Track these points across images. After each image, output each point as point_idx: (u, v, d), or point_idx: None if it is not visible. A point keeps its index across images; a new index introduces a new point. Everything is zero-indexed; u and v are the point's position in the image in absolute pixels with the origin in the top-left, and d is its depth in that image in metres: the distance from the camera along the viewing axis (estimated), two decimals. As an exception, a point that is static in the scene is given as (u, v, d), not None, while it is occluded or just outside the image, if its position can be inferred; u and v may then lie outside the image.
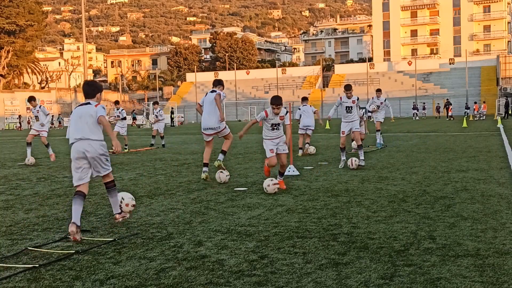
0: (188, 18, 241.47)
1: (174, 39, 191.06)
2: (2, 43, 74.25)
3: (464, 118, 41.41)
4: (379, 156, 15.14)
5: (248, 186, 9.74)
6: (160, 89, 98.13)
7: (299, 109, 16.87)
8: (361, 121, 16.32)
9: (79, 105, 6.64)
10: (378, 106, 17.62)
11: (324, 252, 5.21)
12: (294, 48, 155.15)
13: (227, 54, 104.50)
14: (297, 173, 11.31)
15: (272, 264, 4.86)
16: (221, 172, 10.25)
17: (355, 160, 11.99)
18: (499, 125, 33.96)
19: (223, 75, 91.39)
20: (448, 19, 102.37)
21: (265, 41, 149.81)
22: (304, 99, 17.04)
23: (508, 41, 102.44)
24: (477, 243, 5.41)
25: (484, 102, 56.69)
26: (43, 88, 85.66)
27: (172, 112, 64.12)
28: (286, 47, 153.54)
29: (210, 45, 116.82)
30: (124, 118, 20.48)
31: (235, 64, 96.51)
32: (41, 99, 74.36)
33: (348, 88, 12.56)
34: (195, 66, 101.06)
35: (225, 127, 10.61)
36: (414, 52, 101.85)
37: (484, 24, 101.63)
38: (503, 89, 75.00)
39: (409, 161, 13.44)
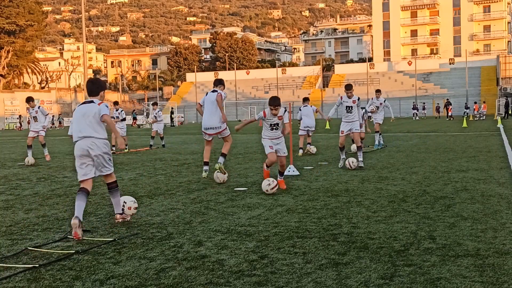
0: (188, 18, 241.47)
1: (174, 39, 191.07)
2: (2, 43, 74.26)
3: (464, 118, 41.41)
4: (379, 156, 15.14)
5: (248, 186, 9.74)
6: (160, 89, 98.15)
7: (300, 109, 16.95)
8: (362, 120, 16.38)
9: (82, 103, 6.66)
10: (377, 107, 17.62)
11: (324, 252, 5.21)
12: (294, 48, 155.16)
13: (227, 54, 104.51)
14: (297, 173, 11.30)
15: (272, 264, 4.86)
16: (219, 172, 10.25)
17: (353, 162, 11.93)
18: (499, 125, 33.97)
19: (223, 75, 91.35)
20: (448, 19, 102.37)
21: (265, 41, 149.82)
22: (305, 99, 17.25)
23: (508, 41, 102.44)
24: (477, 243, 5.41)
25: (484, 102, 56.68)
26: (43, 88, 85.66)
27: (172, 112, 64.11)
28: (286, 47, 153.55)
29: (210, 45, 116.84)
30: (124, 119, 20.46)
31: (235, 64, 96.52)
32: (41, 99, 74.42)
33: (348, 87, 12.54)
34: (195, 66, 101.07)
35: (226, 128, 10.61)
36: (414, 52, 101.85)
37: (484, 24, 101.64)
38: (503, 89, 75.00)
39: (409, 161, 13.44)
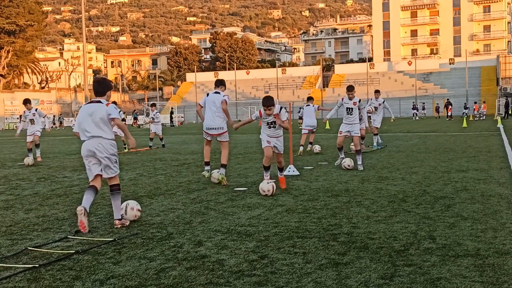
0: (188, 18, 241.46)
1: (174, 39, 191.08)
2: (2, 43, 74.27)
3: (464, 118, 41.40)
4: (379, 156, 15.14)
5: (248, 186, 9.74)
6: (160, 89, 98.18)
7: (302, 108, 17.20)
8: (367, 123, 16.42)
9: (89, 102, 6.65)
10: (376, 108, 17.62)
11: (324, 252, 5.21)
12: (294, 48, 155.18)
13: (227, 54, 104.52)
14: (297, 173, 11.30)
15: (272, 264, 4.86)
16: (217, 172, 10.22)
17: (349, 165, 11.90)
18: (499, 125, 33.97)
19: (223, 75, 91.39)
20: (448, 19, 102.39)
21: (265, 41, 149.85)
22: (309, 98, 17.59)
23: (508, 41, 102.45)
24: (477, 243, 5.41)
25: (484, 102, 56.69)
26: (43, 88, 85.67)
27: (172, 112, 64.11)
28: (286, 47, 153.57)
29: (210, 45, 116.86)
30: (123, 120, 20.47)
31: (235, 64, 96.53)
32: (41, 99, 74.50)
33: (350, 89, 12.43)
34: (195, 66, 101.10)
35: (227, 131, 10.55)
36: (414, 52, 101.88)
37: (484, 24, 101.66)
38: (503, 89, 75.02)
39: (409, 161, 13.44)
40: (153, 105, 22.95)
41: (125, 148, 19.71)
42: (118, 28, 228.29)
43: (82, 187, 10.30)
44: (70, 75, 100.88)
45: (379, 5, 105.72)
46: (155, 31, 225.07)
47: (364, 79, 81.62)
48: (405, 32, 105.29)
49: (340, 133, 12.44)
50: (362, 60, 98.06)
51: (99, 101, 6.55)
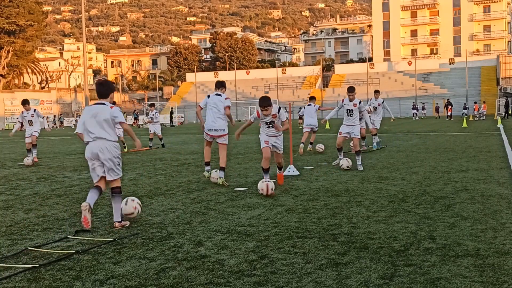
0: (188, 18, 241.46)
1: (174, 39, 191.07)
2: (2, 43, 74.27)
3: (464, 118, 41.40)
4: (379, 156, 15.14)
5: (248, 186, 9.73)
6: (160, 89, 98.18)
7: (304, 108, 17.45)
8: (370, 125, 16.44)
9: (93, 104, 6.70)
10: (376, 108, 17.63)
11: (324, 252, 5.21)
12: (294, 48, 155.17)
13: (227, 54, 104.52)
14: (297, 173, 11.30)
15: (272, 264, 4.86)
16: (215, 172, 10.22)
17: (347, 166, 11.90)
18: (499, 125, 33.97)
19: (223, 75, 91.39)
20: (448, 19, 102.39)
21: (265, 41, 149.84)
22: (311, 98, 17.77)
23: (508, 41, 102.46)
24: (477, 243, 5.41)
25: (484, 102, 56.70)
26: (43, 88, 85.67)
27: (171, 112, 64.09)
28: (286, 47, 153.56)
29: (210, 45, 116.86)
30: None
31: (235, 64, 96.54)
32: (41, 99, 74.49)
33: (351, 90, 12.31)
34: (195, 66, 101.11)
35: (227, 134, 10.53)
36: (414, 52, 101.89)
37: (484, 24, 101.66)
38: (503, 89, 75.02)
39: (409, 161, 13.43)
40: (152, 105, 22.94)
41: (124, 147, 19.71)
42: (118, 28, 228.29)
43: (82, 187, 10.30)
44: (70, 75, 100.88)
45: (379, 5, 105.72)
46: (155, 31, 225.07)
47: (364, 79, 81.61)
48: (405, 32, 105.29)
49: (340, 134, 12.41)
50: (362, 60, 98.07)
51: (103, 103, 6.61)
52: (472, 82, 76.62)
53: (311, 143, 17.11)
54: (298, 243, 5.58)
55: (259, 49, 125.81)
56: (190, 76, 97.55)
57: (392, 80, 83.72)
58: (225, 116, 10.39)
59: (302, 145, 16.17)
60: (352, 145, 14.44)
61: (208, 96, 10.56)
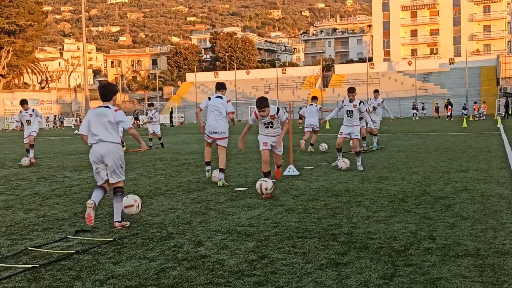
0: (188, 18, 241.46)
1: (174, 39, 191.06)
2: (2, 43, 74.27)
3: (464, 118, 41.40)
4: (379, 156, 15.14)
5: (248, 186, 9.73)
6: (160, 89, 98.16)
7: (306, 107, 17.64)
8: (371, 124, 16.45)
9: (97, 107, 6.76)
10: (375, 107, 17.63)
11: (324, 252, 5.21)
12: (294, 48, 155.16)
13: (227, 54, 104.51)
14: (297, 173, 11.30)
15: (272, 264, 4.86)
16: (216, 171, 10.22)
17: (346, 166, 11.90)
18: (499, 125, 33.96)
19: (223, 75, 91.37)
20: (448, 19, 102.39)
21: (265, 41, 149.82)
22: (314, 98, 17.96)
23: (508, 41, 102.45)
24: (477, 243, 5.41)
25: (484, 102, 56.70)
26: (43, 88, 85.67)
27: (171, 112, 64.05)
28: (286, 47, 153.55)
29: (210, 45, 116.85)
30: None
31: (235, 64, 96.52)
32: (41, 99, 74.46)
33: (351, 90, 12.26)
34: (195, 66, 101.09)
35: (228, 137, 10.53)
36: (414, 52, 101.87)
37: (484, 24, 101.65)
38: (503, 89, 75.02)
39: (409, 161, 13.43)
40: (151, 104, 22.95)
41: (123, 147, 19.71)
42: (118, 28, 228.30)
43: (82, 187, 10.31)
44: (70, 75, 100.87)
45: (379, 5, 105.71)
46: (155, 31, 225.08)
47: (364, 79, 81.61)
48: (405, 32, 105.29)
49: (341, 134, 12.41)
50: (362, 60, 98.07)
51: (107, 106, 6.68)
52: (472, 82, 76.62)
53: (311, 144, 17.11)
54: (298, 243, 5.58)
55: (259, 49, 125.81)
56: (190, 76, 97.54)
57: (392, 80, 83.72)
58: (226, 119, 10.39)
59: (303, 140, 16.27)
60: (352, 146, 14.46)
61: (209, 98, 10.53)
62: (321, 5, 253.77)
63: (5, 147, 25.30)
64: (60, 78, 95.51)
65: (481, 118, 51.45)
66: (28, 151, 15.71)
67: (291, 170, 11.30)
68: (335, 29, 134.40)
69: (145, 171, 12.91)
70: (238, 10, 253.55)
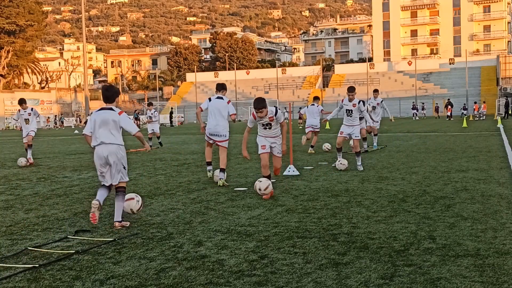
0: (188, 18, 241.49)
1: (174, 39, 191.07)
2: (2, 43, 74.27)
3: (464, 118, 41.40)
4: (379, 156, 15.14)
5: (248, 186, 9.73)
6: (160, 89, 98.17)
7: (307, 107, 17.78)
8: (371, 122, 16.47)
9: (100, 109, 6.82)
10: (374, 107, 17.64)
11: (324, 252, 5.21)
12: (294, 48, 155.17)
13: (227, 54, 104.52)
14: (297, 173, 11.30)
15: (272, 264, 4.86)
16: (218, 171, 10.21)
17: (344, 166, 11.90)
18: (499, 125, 33.96)
19: (223, 75, 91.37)
20: (448, 19, 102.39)
21: (265, 41, 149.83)
22: (315, 98, 18.04)
23: (508, 41, 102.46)
24: (477, 243, 5.41)
25: (484, 102, 56.70)
26: (43, 88, 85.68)
27: (171, 112, 64.04)
28: (286, 47, 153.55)
29: (210, 45, 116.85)
30: None
31: (235, 64, 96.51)
32: (41, 99, 74.46)
33: (351, 90, 12.25)
34: (195, 66, 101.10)
35: (228, 139, 10.52)
36: (414, 52, 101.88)
37: (484, 24, 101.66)
38: (503, 89, 75.03)
39: (409, 161, 13.43)
40: (150, 104, 22.96)
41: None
42: (118, 28, 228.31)
43: (82, 187, 10.31)
44: (70, 75, 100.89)
45: (379, 5, 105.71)
46: (155, 31, 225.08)
47: (364, 79, 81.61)
48: (405, 32, 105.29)
49: (341, 134, 12.41)
50: (362, 60, 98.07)
51: (111, 108, 6.76)
52: (472, 82, 76.62)
53: (312, 146, 17.09)
54: (298, 243, 5.58)
55: (259, 49, 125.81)
56: (190, 76, 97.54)
57: (392, 80, 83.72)
58: (227, 120, 10.39)
59: (304, 137, 16.31)
60: (352, 146, 14.46)
61: (210, 99, 10.50)
62: (321, 5, 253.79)
63: (5, 147, 25.30)
64: (60, 78, 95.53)
65: (481, 118, 51.44)
66: (27, 150, 15.69)
67: (291, 170, 11.30)
68: (335, 29, 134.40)
69: (145, 171, 12.91)
70: (238, 10, 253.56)
